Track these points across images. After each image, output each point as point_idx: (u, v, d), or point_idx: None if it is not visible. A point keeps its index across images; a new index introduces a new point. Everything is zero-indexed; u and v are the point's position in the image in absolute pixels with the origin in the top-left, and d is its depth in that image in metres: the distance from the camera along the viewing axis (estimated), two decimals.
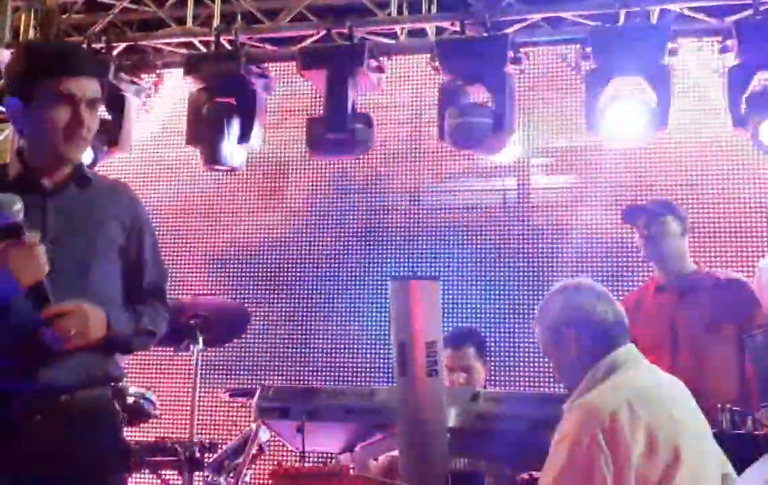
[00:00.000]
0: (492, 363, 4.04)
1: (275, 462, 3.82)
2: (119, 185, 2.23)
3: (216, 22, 4.93)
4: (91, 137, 2.04)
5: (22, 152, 2.07)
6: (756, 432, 2.54)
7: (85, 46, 4.99)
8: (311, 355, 4.87)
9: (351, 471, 2.66)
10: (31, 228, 1.87)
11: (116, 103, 4.83)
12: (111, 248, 2.08)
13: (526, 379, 4.49)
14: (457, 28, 4.52)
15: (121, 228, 2.10)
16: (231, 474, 3.38)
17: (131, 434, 4.05)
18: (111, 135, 4.79)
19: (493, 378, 4.12)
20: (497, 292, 4.70)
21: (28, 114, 2.00)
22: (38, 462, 1.89)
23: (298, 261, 5.05)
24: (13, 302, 1.89)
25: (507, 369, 4.50)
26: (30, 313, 1.88)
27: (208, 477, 3.49)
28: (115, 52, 5.01)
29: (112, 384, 2.14)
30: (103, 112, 4.69)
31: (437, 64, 4.47)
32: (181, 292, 4.97)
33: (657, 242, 3.39)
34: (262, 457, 3.63)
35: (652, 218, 3.40)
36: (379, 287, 4.74)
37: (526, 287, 4.65)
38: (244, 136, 4.61)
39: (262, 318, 4.93)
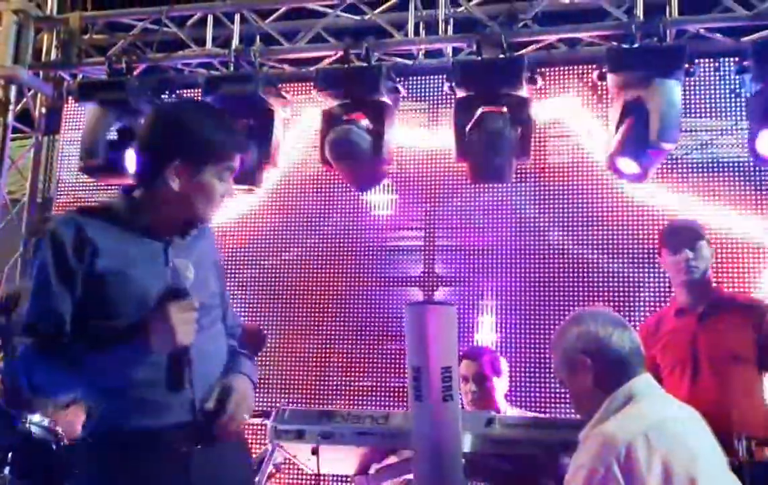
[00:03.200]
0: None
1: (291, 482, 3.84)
2: (208, 227, 2.26)
3: (235, 43, 5.01)
4: None
5: (140, 202, 2.06)
6: None
7: (105, 66, 5.08)
8: (327, 377, 4.88)
9: None
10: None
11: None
12: (215, 285, 2.16)
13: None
14: (474, 49, 4.56)
15: (214, 265, 2.19)
16: None
17: None
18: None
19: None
20: (517, 310, 4.69)
21: (191, 177, 2.01)
22: None
23: (315, 281, 5.06)
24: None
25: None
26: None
27: None
28: (135, 73, 5.08)
29: None
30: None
31: (453, 85, 4.50)
32: None
33: (692, 269, 3.33)
34: (278, 477, 3.65)
35: (690, 244, 3.34)
36: (396, 308, 4.75)
37: (544, 308, 4.63)
38: (261, 156, 4.65)
39: (277, 339, 4.95)
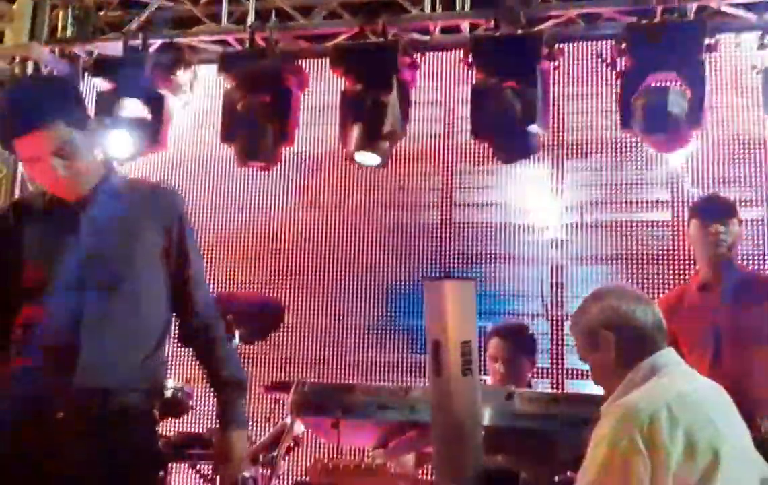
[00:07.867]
0: None
1: (310, 455, 3.87)
2: (157, 187, 2.31)
3: (250, 19, 4.98)
4: (78, 167, 2.02)
5: None
6: None
7: (121, 43, 5.08)
8: (346, 351, 4.91)
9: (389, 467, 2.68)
10: (66, 243, 2.00)
11: (155, 102, 4.89)
12: (150, 252, 2.12)
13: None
14: (492, 25, 4.52)
15: (162, 229, 2.14)
16: (266, 467, 3.42)
17: (169, 426, 4.13)
18: (150, 133, 4.84)
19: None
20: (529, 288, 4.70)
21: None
22: (72, 463, 1.94)
23: (333, 257, 5.08)
24: (52, 302, 1.96)
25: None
26: (71, 316, 1.95)
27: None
28: (151, 49, 5.08)
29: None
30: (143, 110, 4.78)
31: (471, 60, 4.46)
32: (216, 287, 5.04)
33: (721, 243, 3.30)
34: (297, 450, 3.68)
35: (722, 218, 3.32)
36: (414, 283, 4.76)
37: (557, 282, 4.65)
38: (278, 133, 4.65)
39: (296, 313, 4.98)
